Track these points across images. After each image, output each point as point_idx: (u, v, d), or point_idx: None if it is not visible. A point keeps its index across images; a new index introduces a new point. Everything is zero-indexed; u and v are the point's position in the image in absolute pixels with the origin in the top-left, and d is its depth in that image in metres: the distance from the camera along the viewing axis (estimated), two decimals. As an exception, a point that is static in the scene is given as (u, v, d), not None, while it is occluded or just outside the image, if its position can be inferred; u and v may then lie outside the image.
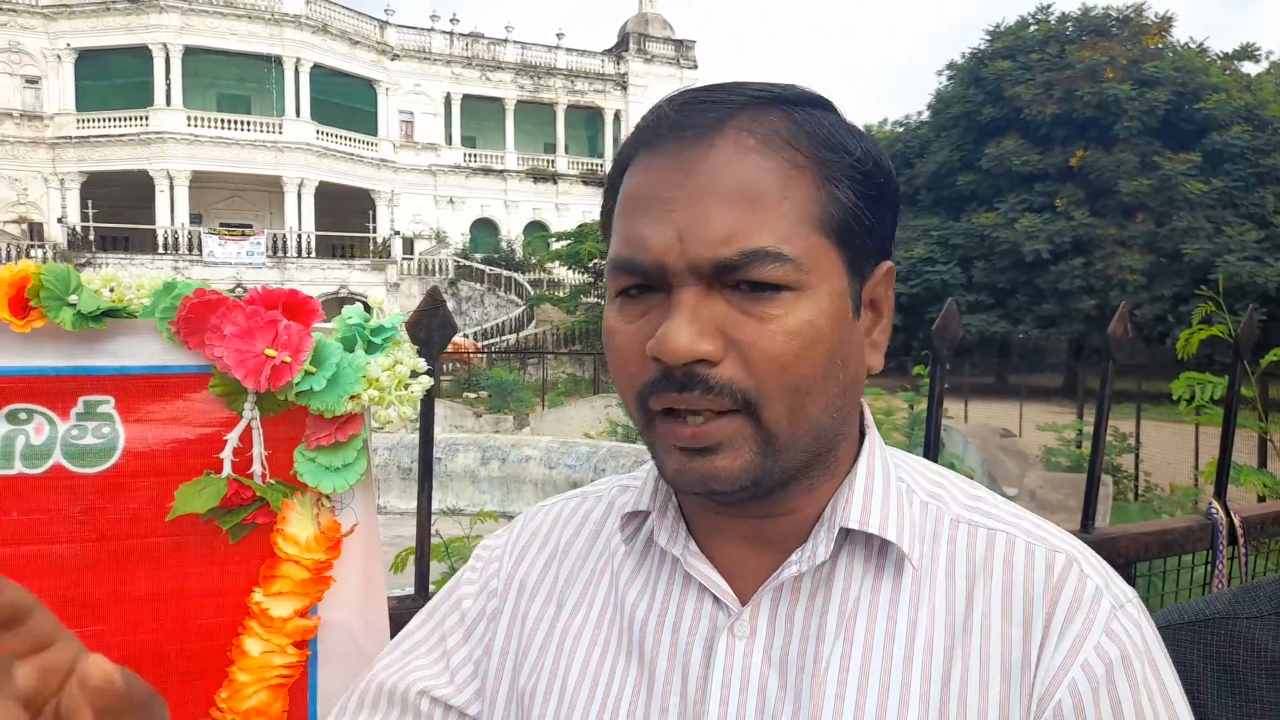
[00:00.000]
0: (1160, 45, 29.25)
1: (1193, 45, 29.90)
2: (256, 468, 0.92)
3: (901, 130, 36.28)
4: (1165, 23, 29.74)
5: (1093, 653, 0.62)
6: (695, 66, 42.92)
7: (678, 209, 0.62)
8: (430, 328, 0.98)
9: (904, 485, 0.71)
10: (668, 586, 0.72)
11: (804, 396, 0.63)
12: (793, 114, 0.65)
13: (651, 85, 41.72)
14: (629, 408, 0.67)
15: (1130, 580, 1.53)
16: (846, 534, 0.68)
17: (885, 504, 0.68)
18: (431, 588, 1.13)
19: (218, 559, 0.92)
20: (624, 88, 41.61)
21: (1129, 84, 26.85)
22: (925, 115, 34.51)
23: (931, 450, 1.32)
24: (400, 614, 0.98)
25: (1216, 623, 0.78)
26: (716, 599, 0.69)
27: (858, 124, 0.70)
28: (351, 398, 0.91)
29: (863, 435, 0.72)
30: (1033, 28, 30.50)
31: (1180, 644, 0.78)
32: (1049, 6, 31.00)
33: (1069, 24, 30.20)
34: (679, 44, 42.94)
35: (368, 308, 0.97)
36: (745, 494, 0.65)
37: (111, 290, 0.87)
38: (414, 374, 0.94)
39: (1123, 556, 1.39)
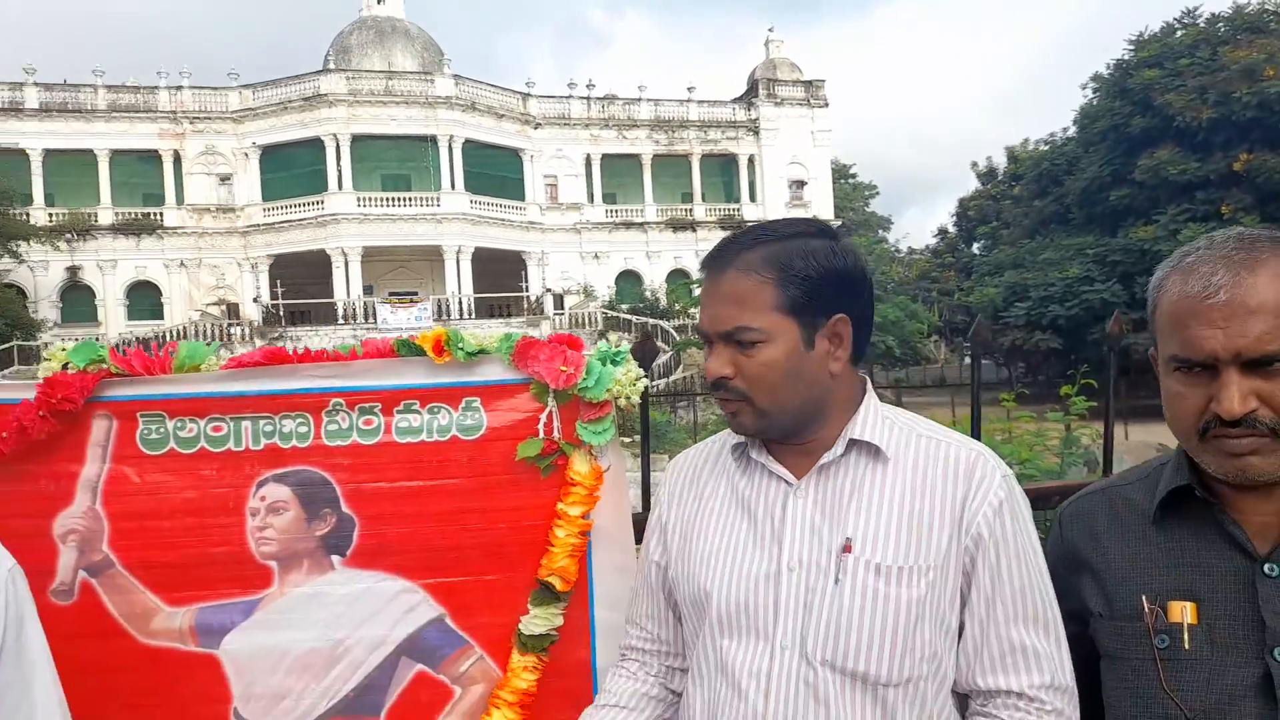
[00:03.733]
0: (1327, 35, 27.52)
1: (1365, 31, 27.97)
2: (556, 433, 1.63)
3: (1047, 149, 35.35)
4: (1331, 11, 28.01)
5: (993, 495, 1.22)
6: (826, 105, 42.83)
7: (709, 306, 1.26)
8: (644, 351, 1.67)
9: (889, 420, 1.30)
10: (759, 478, 1.32)
11: (774, 392, 1.23)
12: (771, 247, 1.23)
13: (783, 127, 42.02)
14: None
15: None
16: (853, 443, 1.27)
17: (876, 427, 1.29)
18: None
19: (537, 485, 1.63)
20: (756, 133, 42.24)
21: (1293, 80, 25.45)
22: (1071, 131, 33.55)
23: (976, 429, 1.88)
24: (635, 519, 1.68)
25: (1108, 490, 1.33)
26: (785, 481, 1.30)
27: (980, 158, 1.39)
28: (606, 392, 1.61)
29: (863, 395, 1.31)
30: (1180, 32, 29.32)
31: (1086, 502, 1.34)
32: (1196, 9, 29.75)
33: (1220, 24, 28.85)
34: (808, 85, 43.13)
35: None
36: (759, 436, 1.29)
37: (471, 339, 1.59)
38: (637, 378, 1.62)
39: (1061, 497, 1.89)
